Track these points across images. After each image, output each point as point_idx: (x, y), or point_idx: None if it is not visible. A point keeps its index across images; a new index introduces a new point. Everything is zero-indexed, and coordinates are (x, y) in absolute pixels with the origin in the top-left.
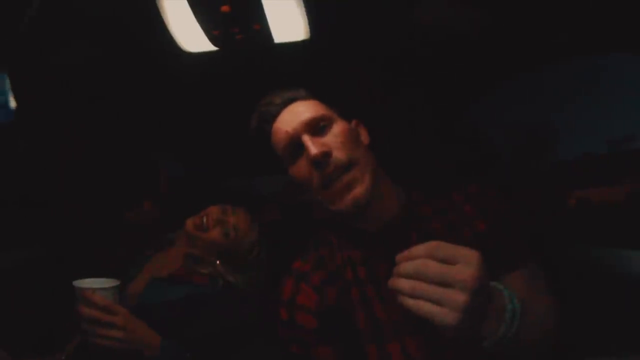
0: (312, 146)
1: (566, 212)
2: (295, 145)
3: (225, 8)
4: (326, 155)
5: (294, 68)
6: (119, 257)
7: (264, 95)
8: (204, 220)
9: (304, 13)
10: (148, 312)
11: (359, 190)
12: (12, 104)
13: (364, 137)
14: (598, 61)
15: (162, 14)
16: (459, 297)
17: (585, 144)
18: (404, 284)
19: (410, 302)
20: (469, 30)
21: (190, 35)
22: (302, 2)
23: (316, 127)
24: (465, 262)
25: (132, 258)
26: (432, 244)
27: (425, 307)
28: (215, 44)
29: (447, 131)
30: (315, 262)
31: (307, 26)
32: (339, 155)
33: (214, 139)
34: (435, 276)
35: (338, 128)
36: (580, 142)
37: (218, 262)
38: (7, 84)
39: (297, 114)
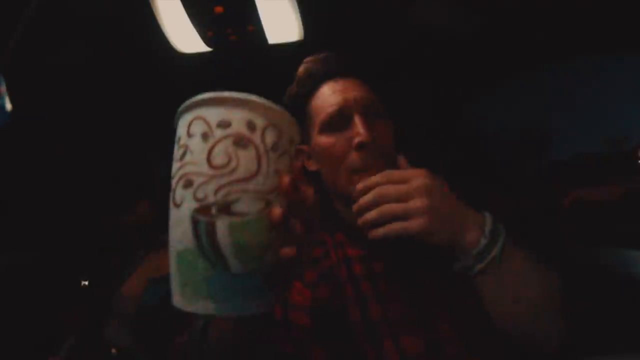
0: (365, 130)
1: (561, 212)
2: (342, 116)
3: (219, 9)
4: (375, 141)
5: (288, 69)
6: (116, 258)
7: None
8: None
9: (298, 14)
10: (152, 313)
11: None
12: (8, 106)
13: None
14: (593, 62)
15: (156, 15)
16: (419, 203)
17: (580, 143)
18: (370, 215)
19: (380, 231)
20: (465, 31)
21: (184, 36)
22: (295, 3)
23: (368, 112)
24: (415, 176)
25: (127, 259)
26: (382, 173)
27: (395, 226)
28: (209, 45)
29: (444, 131)
30: (308, 260)
31: (301, 27)
32: (386, 147)
33: None
34: (394, 195)
35: (386, 122)
36: (575, 142)
37: None
38: (3, 85)
39: (356, 88)
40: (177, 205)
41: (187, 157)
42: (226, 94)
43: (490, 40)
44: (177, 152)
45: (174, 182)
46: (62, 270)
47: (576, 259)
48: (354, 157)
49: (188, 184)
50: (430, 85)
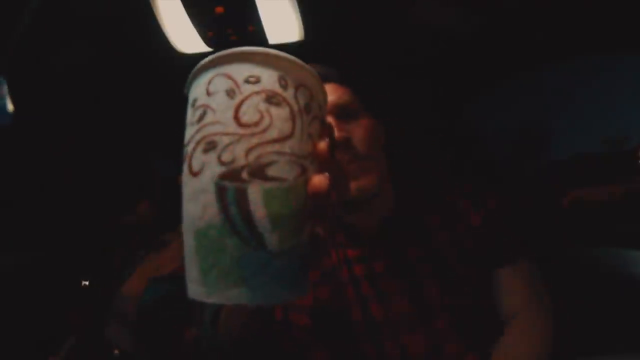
0: (337, 131)
1: (561, 212)
2: None
3: (219, 9)
4: (347, 140)
5: None
6: (117, 258)
7: None
8: None
9: (298, 14)
10: (152, 313)
11: (367, 181)
12: (10, 106)
13: (382, 137)
14: (593, 62)
15: (157, 15)
16: None
17: (580, 143)
18: None
19: None
20: (465, 31)
21: (184, 36)
22: (295, 3)
23: (342, 112)
24: None
25: (127, 259)
26: None
27: None
28: (209, 45)
29: (444, 131)
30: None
31: (301, 27)
32: (359, 145)
33: None
34: None
35: (364, 121)
36: (575, 142)
37: None
38: (5, 87)
39: (331, 91)
40: (196, 174)
41: (209, 117)
42: (253, 48)
43: (490, 40)
44: (193, 116)
45: (189, 148)
46: (64, 270)
47: (576, 259)
48: None
49: (210, 147)
50: (430, 85)
